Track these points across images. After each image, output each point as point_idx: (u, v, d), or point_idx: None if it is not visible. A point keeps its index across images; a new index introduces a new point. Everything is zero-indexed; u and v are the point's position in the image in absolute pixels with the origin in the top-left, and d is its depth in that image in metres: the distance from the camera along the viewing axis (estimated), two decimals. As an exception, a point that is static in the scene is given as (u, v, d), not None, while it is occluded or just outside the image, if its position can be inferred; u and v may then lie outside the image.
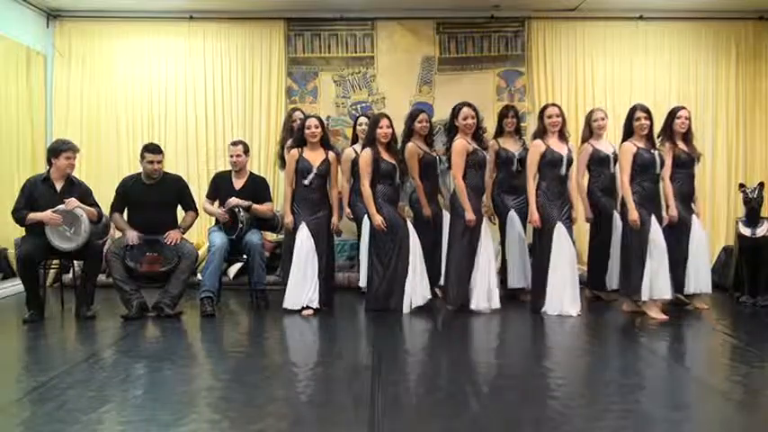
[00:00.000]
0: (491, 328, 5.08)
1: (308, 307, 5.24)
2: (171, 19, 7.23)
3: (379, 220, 5.23)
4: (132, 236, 5.25)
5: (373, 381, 3.61)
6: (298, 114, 6.13)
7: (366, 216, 5.55)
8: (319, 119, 5.52)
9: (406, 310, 5.24)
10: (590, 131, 5.70)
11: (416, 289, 5.29)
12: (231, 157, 5.67)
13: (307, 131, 5.37)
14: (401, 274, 5.26)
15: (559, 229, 5.15)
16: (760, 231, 5.72)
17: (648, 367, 4.06)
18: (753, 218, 5.74)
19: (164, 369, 3.86)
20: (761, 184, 5.79)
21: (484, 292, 5.22)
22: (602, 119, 5.70)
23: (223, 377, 3.78)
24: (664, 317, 5.05)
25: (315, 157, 5.37)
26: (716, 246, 6.88)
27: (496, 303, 5.26)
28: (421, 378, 3.80)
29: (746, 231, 5.76)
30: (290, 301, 5.25)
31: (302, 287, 5.24)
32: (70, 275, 5.74)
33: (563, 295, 5.14)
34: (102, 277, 5.46)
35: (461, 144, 5.23)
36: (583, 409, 3.20)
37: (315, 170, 5.32)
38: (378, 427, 2.94)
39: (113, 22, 7.21)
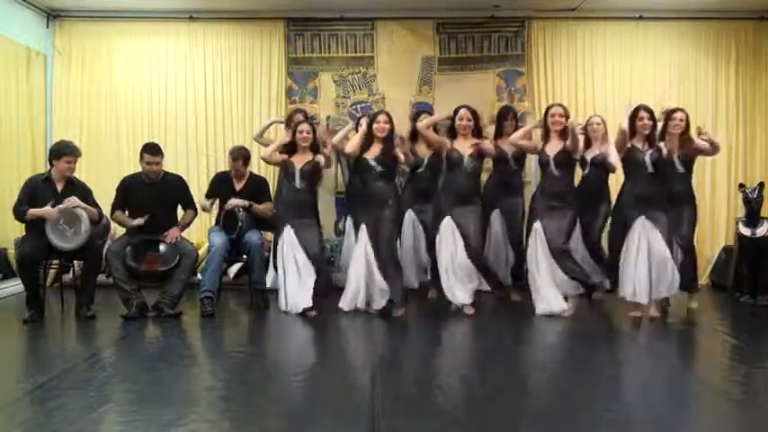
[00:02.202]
0: (489, 329, 5.08)
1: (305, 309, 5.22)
2: (171, 19, 7.22)
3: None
4: (138, 220, 5.24)
5: (373, 381, 3.61)
6: (299, 117, 6.14)
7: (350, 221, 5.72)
8: (312, 125, 5.56)
9: (345, 307, 5.24)
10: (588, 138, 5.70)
11: (366, 291, 5.24)
12: (231, 166, 5.68)
13: (299, 135, 5.39)
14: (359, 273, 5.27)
15: (536, 228, 5.18)
16: (760, 231, 5.73)
17: (648, 367, 4.07)
18: (753, 218, 5.74)
19: (164, 369, 3.86)
20: (761, 184, 5.80)
21: (449, 286, 5.20)
22: (598, 124, 5.75)
23: (223, 377, 3.78)
24: (638, 314, 5.05)
25: (301, 159, 5.37)
26: (716, 246, 6.89)
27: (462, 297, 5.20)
28: (421, 378, 3.80)
29: (746, 231, 5.77)
30: (286, 304, 5.26)
31: (295, 290, 5.23)
32: (70, 275, 5.74)
33: (548, 293, 5.16)
34: (102, 277, 5.45)
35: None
36: (583, 409, 3.20)
37: (298, 172, 5.31)
38: (378, 427, 2.94)
39: (113, 22, 7.20)
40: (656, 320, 5.00)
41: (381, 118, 5.36)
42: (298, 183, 5.33)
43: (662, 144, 5.14)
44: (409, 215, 5.72)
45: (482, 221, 5.43)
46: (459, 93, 6.68)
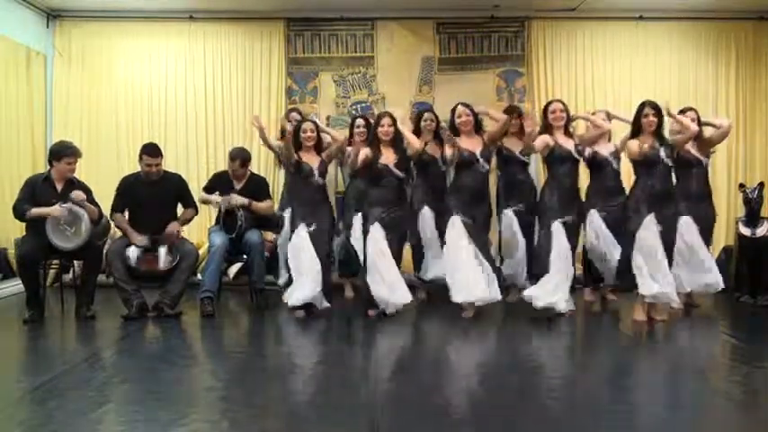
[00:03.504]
0: (490, 328, 5.08)
1: (303, 307, 5.20)
2: (171, 19, 7.23)
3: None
4: (140, 239, 5.23)
5: (373, 381, 3.61)
6: (293, 116, 6.12)
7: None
8: (315, 123, 5.52)
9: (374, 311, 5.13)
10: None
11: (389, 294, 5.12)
12: (228, 167, 5.67)
13: (303, 135, 5.35)
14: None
15: (557, 228, 5.06)
16: (760, 231, 5.73)
17: (649, 367, 4.07)
18: (753, 218, 5.74)
19: (164, 369, 3.86)
20: (761, 184, 5.79)
21: (462, 286, 5.08)
22: (603, 119, 5.71)
23: (223, 377, 3.78)
24: (643, 318, 4.97)
25: (312, 158, 5.35)
26: (716, 246, 6.86)
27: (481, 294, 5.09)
28: (421, 378, 3.80)
29: (746, 231, 5.77)
30: (293, 298, 5.14)
31: (300, 286, 5.19)
32: (70, 275, 5.74)
33: (555, 292, 5.03)
34: (102, 277, 5.46)
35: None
36: (583, 410, 3.20)
37: (316, 170, 5.31)
38: (378, 426, 2.94)
39: (113, 22, 7.20)
40: (656, 321, 4.99)
41: (385, 121, 5.26)
42: (318, 181, 5.29)
43: (669, 140, 5.13)
44: (425, 212, 5.69)
45: (490, 221, 5.41)
46: (458, 93, 6.64)
